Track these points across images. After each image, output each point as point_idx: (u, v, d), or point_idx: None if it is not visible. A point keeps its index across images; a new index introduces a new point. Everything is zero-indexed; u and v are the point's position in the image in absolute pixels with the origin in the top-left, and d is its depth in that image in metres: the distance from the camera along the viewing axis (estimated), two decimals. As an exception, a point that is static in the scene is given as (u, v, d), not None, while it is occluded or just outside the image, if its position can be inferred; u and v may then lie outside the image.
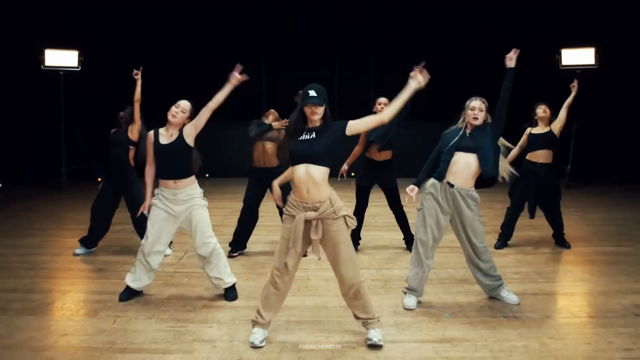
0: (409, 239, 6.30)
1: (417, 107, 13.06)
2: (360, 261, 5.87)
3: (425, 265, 4.49)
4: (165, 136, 4.47)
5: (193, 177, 4.58)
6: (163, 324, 4.08)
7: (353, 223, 3.72)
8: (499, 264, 5.73)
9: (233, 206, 8.65)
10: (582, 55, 11.17)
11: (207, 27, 12.80)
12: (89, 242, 6.09)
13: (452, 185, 4.39)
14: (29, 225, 7.72)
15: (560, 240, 6.47)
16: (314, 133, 3.65)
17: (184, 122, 4.51)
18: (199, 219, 4.54)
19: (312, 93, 3.61)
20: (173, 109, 4.47)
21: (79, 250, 6.04)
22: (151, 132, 4.52)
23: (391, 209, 6.28)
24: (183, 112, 4.48)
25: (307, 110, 3.63)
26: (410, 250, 6.24)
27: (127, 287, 4.59)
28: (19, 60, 10.70)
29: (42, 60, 10.64)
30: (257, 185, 5.97)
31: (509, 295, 4.63)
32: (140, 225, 6.27)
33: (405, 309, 4.46)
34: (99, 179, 6.39)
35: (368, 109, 6.14)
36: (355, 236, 6.28)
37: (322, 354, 3.65)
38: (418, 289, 4.56)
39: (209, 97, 4.36)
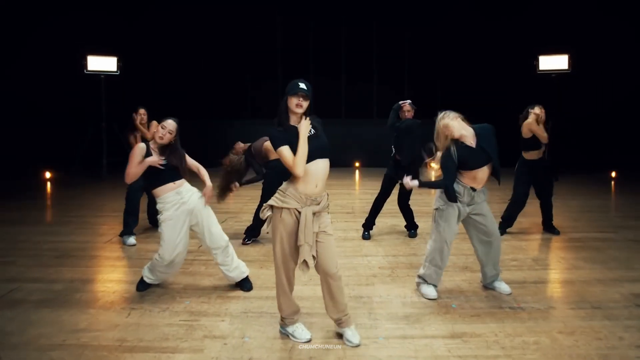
0: (410, 227, 5.65)
1: (414, 104, 12.35)
2: (366, 248, 5.14)
3: (444, 263, 3.77)
4: (156, 151, 3.74)
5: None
6: (176, 317, 3.37)
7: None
8: (496, 251, 5.04)
9: (251, 194, 7.91)
10: (557, 61, 10.53)
11: (229, 41, 12.20)
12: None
13: (474, 189, 3.67)
14: (66, 212, 7.01)
15: (549, 227, 5.71)
16: (314, 129, 2.91)
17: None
18: (209, 213, 3.82)
19: (302, 85, 2.84)
20: (160, 130, 3.72)
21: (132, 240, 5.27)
22: (143, 146, 3.73)
23: (399, 203, 5.57)
24: (170, 133, 3.74)
25: (294, 100, 2.83)
26: (411, 237, 5.56)
27: (143, 281, 3.87)
28: (65, 66, 10.07)
29: (85, 65, 10.04)
30: (274, 177, 5.21)
31: (501, 285, 3.92)
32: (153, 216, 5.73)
33: (428, 299, 3.73)
34: None
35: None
36: (370, 223, 5.56)
37: (334, 352, 2.94)
38: (437, 283, 3.83)
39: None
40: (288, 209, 2.88)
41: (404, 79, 12.53)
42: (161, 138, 3.71)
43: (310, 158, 2.84)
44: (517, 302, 3.67)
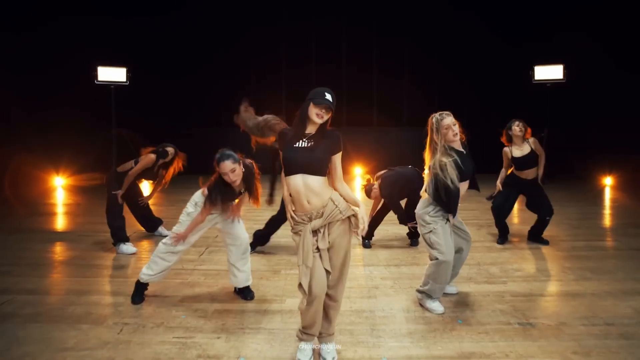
0: (412, 235, 5.28)
1: (412, 113, 12.06)
2: (368, 258, 4.79)
3: (448, 278, 3.44)
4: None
5: None
6: (170, 334, 3.03)
7: (358, 223, 2.58)
8: (499, 259, 4.69)
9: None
10: (552, 71, 10.13)
11: (234, 48, 11.94)
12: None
13: None
14: (72, 218, 6.69)
15: (538, 238, 5.29)
16: (312, 140, 2.48)
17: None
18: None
19: (328, 96, 2.46)
20: (226, 178, 3.23)
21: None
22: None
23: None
24: (233, 172, 3.22)
25: (315, 110, 2.44)
26: (413, 245, 5.20)
27: (138, 288, 3.54)
28: (76, 76, 9.75)
29: (95, 76, 9.69)
30: None
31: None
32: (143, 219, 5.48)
33: (436, 314, 3.38)
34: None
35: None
36: (369, 234, 5.21)
37: (335, 376, 2.58)
38: (440, 295, 3.49)
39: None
40: (296, 233, 2.60)
41: (402, 87, 12.22)
42: (234, 182, 3.27)
43: (289, 172, 2.52)
44: (526, 317, 3.32)
